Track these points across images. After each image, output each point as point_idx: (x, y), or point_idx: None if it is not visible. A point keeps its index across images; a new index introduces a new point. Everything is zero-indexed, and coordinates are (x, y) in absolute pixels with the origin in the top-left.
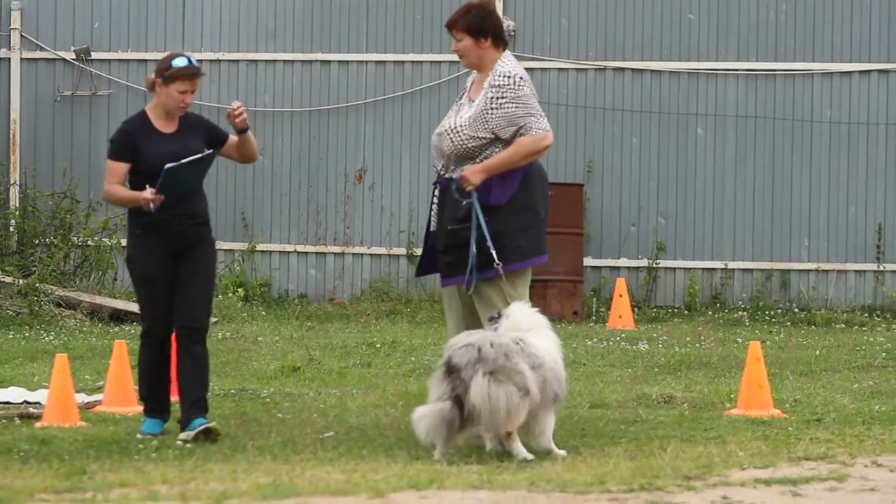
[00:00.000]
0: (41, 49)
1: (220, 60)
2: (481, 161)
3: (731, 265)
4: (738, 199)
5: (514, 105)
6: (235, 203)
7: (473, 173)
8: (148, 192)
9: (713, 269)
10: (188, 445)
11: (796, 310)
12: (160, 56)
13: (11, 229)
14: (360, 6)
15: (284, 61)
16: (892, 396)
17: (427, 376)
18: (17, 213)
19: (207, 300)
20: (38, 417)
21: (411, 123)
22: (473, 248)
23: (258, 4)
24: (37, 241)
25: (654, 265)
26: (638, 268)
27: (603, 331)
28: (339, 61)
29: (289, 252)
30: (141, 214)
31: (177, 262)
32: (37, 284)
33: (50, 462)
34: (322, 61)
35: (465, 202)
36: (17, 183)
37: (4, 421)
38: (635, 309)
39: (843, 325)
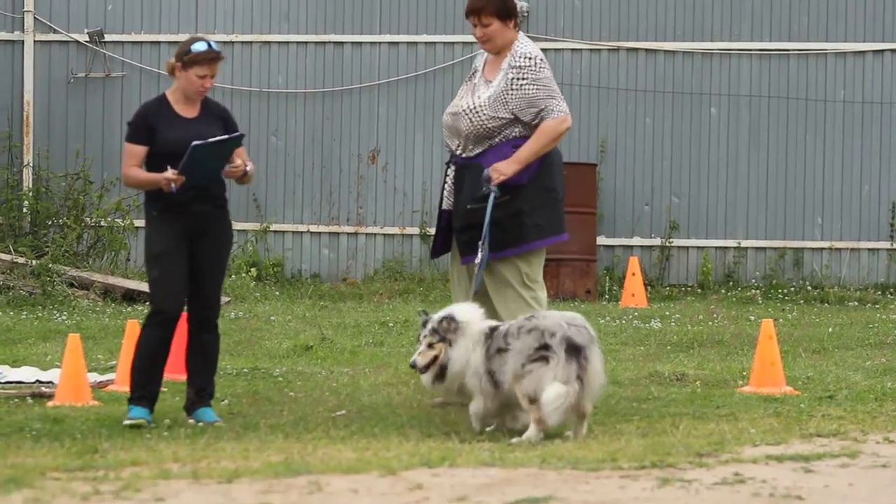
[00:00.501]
0: (54, 31)
1: (233, 42)
2: (499, 142)
3: (744, 244)
4: (751, 178)
5: (535, 87)
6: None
7: (507, 165)
8: (169, 173)
9: (726, 247)
10: (200, 424)
11: (809, 288)
12: (173, 38)
13: (25, 210)
14: None
15: (297, 43)
16: None
17: None
18: (31, 194)
19: (220, 288)
20: (50, 397)
21: (424, 104)
22: (486, 229)
23: None
24: (50, 222)
25: (668, 244)
26: (651, 247)
27: (616, 309)
28: (353, 42)
29: (302, 232)
30: (159, 197)
31: (193, 245)
32: (50, 265)
33: (62, 441)
34: (335, 42)
35: (489, 191)
36: (31, 164)
37: (17, 400)
38: (648, 288)
39: (856, 303)
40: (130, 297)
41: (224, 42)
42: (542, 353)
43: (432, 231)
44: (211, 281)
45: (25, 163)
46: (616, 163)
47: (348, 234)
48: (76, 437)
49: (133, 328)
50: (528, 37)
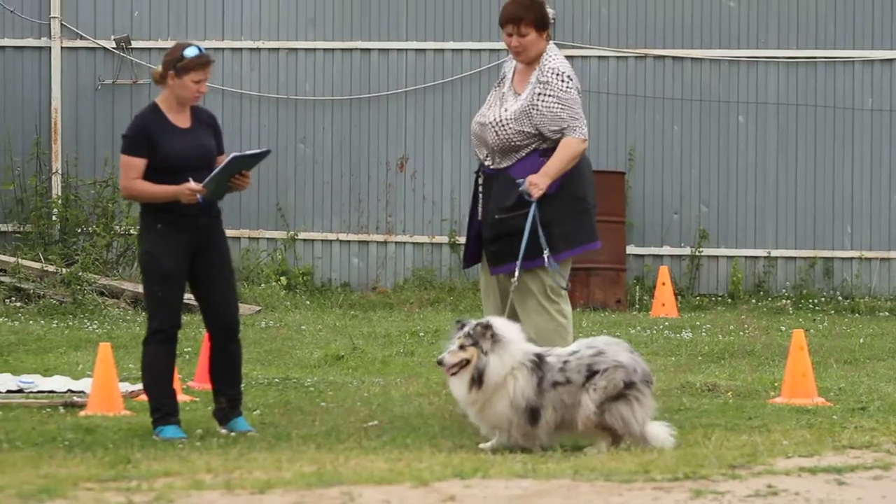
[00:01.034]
0: (81, 38)
1: (259, 49)
2: (526, 155)
3: (774, 253)
4: (780, 186)
5: (560, 105)
6: (277, 192)
7: (540, 178)
8: (193, 185)
9: (756, 257)
10: (232, 434)
11: (840, 298)
12: (201, 45)
13: (54, 218)
14: None
15: (324, 50)
16: None
17: None
18: (60, 201)
19: (236, 297)
20: (82, 406)
21: (452, 112)
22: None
23: None
24: (79, 230)
25: (697, 253)
26: (681, 256)
27: (646, 319)
28: (380, 49)
29: (331, 240)
30: (161, 209)
31: (198, 259)
32: (80, 273)
33: (94, 451)
34: (362, 49)
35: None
36: (59, 172)
37: (49, 410)
38: (678, 297)
39: (887, 314)
40: None
41: (251, 49)
42: (628, 392)
43: (462, 240)
44: (225, 291)
45: (54, 170)
46: (645, 171)
47: (378, 242)
48: (108, 447)
49: None
50: (556, 44)
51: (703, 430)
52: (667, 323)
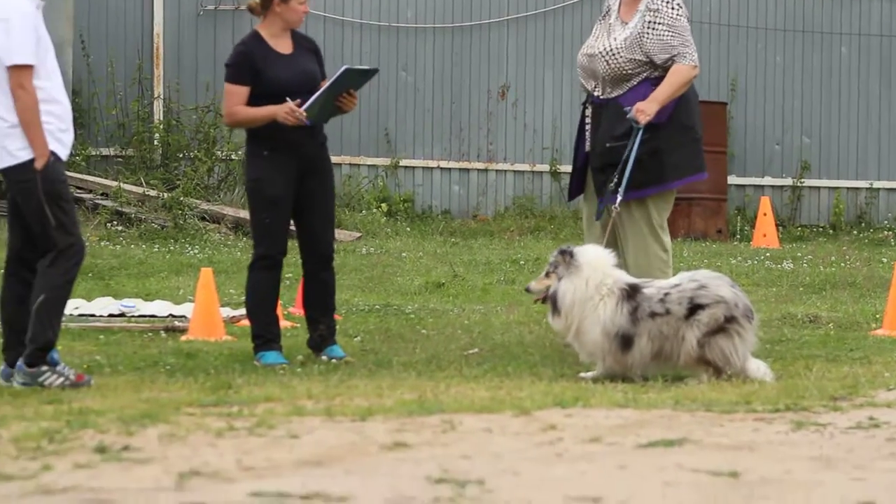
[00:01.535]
0: None
1: None
2: (637, 84)
3: (877, 184)
4: (882, 118)
5: (671, 32)
6: (378, 119)
7: (648, 105)
8: (291, 103)
9: (858, 188)
10: (333, 361)
11: None
12: None
13: (156, 143)
14: None
15: None
16: None
17: None
18: (162, 126)
19: (333, 226)
20: (183, 331)
21: (553, 40)
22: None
23: None
24: (181, 155)
25: (799, 184)
26: (782, 187)
27: (747, 249)
28: None
29: (432, 168)
30: (269, 135)
31: (302, 185)
32: (181, 198)
33: (195, 376)
34: None
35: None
36: (161, 97)
37: (150, 334)
38: (780, 228)
39: None
40: None
41: None
42: (729, 326)
43: (563, 168)
44: (324, 219)
45: (156, 95)
46: (747, 101)
47: (478, 170)
48: (209, 372)
49: None
50: None
51: (805, 361)
52: (768, 254)
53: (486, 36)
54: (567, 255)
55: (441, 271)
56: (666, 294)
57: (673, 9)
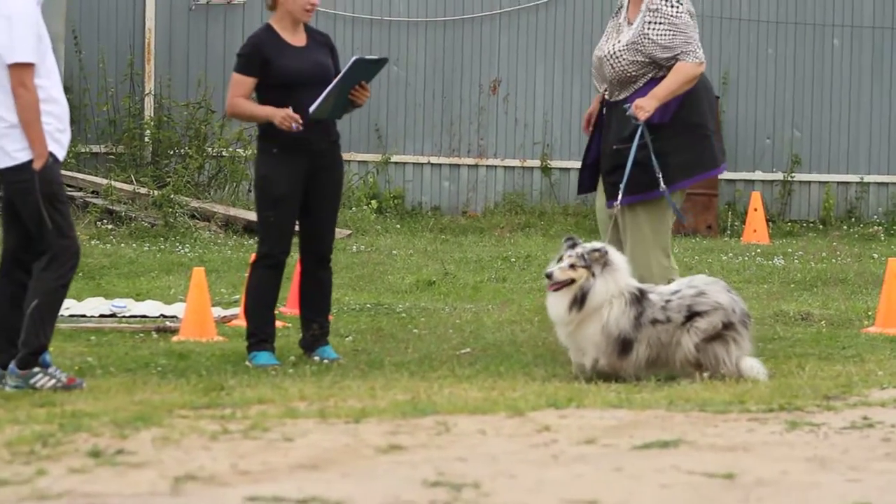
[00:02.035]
0: None
1: None
2: (644, 85)
3: (867, 179)
4: (874, 111)
5: (672, 32)
6: (369, 114)
7: (647, 101)
8: (290, 111)
9: (848, 182)
10: (325, 361)
11: None
12: None
13: (146, 140)
14: None
15: None
16: None
17: None
18: (152, 123)
19: (335, 224)
20: (174, 331)
21: (546, 34)
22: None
23: None
24: (171, 152)
25: (790, 179)
26: (773, 181)
27: (738, 245)
28: None
29: (422, 164)
30: (278, 133)
31: (309, 183)
32: (171, 196)
33: (188, 377)
34: None
35: (638, 125)
36: (153, 93)
37: (142, 335)
38: (770, 223)
39: None
40: (251, 229)
41: None
42: (725, 332)
43: (553, 164)
44: (328, 219)
45: (147, 91)
46: (738, 95)
47: (469, 165)
48: (202, 373)
49: None
50: None
51: (797, 359)
52: (758, 249)
53: (477, 30)
54: (603, 254)
55: (432, 269)
56: (667, 301)
57: (672, 6)
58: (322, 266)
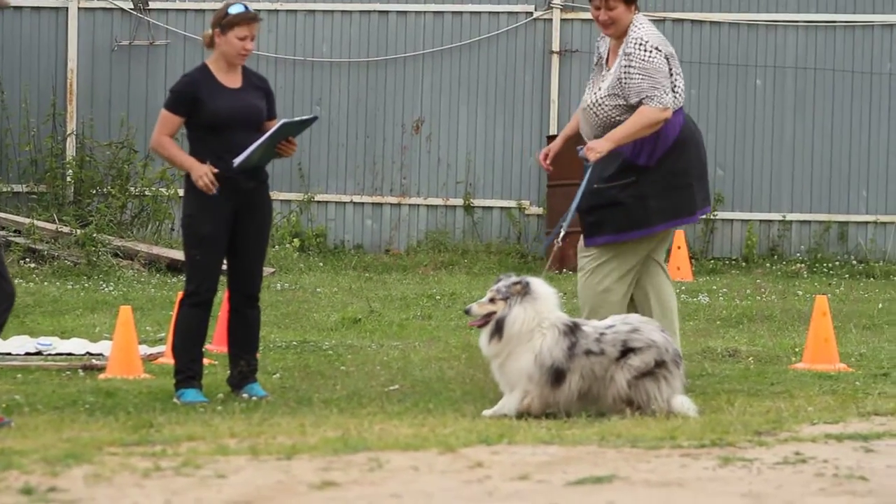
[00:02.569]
0: None
1: (277, 10)
2: None
3: (789, 217)
4: (796, 151)
5: (641, 76)
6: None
7: (600, 143)
8: (211, 168)
9: (771, 220)
10: (253, 399)
11: (854, 262)
12: (217, 6)
13: (69, 179)
14: None
15: (342, 11)
16: None
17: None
18: (75, 163)
19: (263, 263)
20: (101, 369)
21: (469, 74)
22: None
23: None
24: (94, 192)
25: (712, 217)
26: None
27: None
28: (398, 11)
29: (345, 202)
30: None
31: (237, 222)
32: (94, 234)
33: (116, 414)
34: (380, 11)
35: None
36: (75, 133)
37: (69, 373)
38: (693, 260)
39: None
40: (175, 267)
41: (269, 10)
42: (657, 370)
43: (476, 203)
44: (256, 257)
45: (69, 131)
46: None
47: (392, 204)
48: (130, 410)
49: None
50: (569, 5)
51: (727, 395)
52: (683, 287)
53: (400, 70)
54: (523, 286)
55: (357, 307)
56: (601, 334)
57: (646, 51)
58: (250, 304)
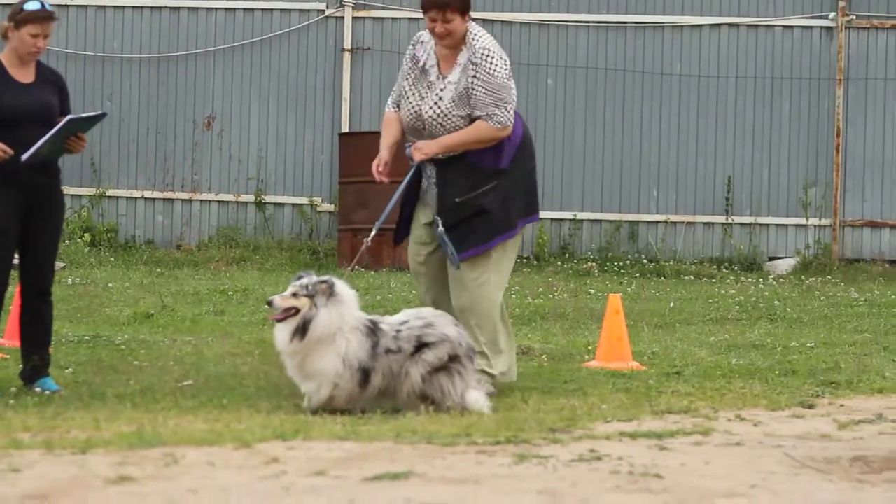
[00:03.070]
0: None
1: (68, 6)
2: None
3: (580, 216)
4: (587, 150)
5: (484, 90)
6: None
7: (428, 145)
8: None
9: (562, 219)
10: (46, 393)
11: (645, 261)
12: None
13: None
14: None
15: (133, 7)
16: (749, 350)
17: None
18: None
19: (55, 259)
20: None
21: (260, 71)
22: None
23: None
24: None
25: None
26: None
27: None
28: (189, 8)
29: (136, 198)
30: None
31: (27, 218)
32: None
33: None
34: (171, 7)
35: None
36: None
37: None
38: None
39: (692, 277)
40: None
41: (59, 5)
42: (451, 365)
43: (268, 199)
44: (47, 253)
45: None
46: None
47: (182, 200)
48: None
49: None
50: (369, 5)
51: (521, 393)
52: None
53: (192, 67)
54: (328, 286)
55: (149, 302)
56: (398, 331)
57: (492, 64)
58: (42, 299)
